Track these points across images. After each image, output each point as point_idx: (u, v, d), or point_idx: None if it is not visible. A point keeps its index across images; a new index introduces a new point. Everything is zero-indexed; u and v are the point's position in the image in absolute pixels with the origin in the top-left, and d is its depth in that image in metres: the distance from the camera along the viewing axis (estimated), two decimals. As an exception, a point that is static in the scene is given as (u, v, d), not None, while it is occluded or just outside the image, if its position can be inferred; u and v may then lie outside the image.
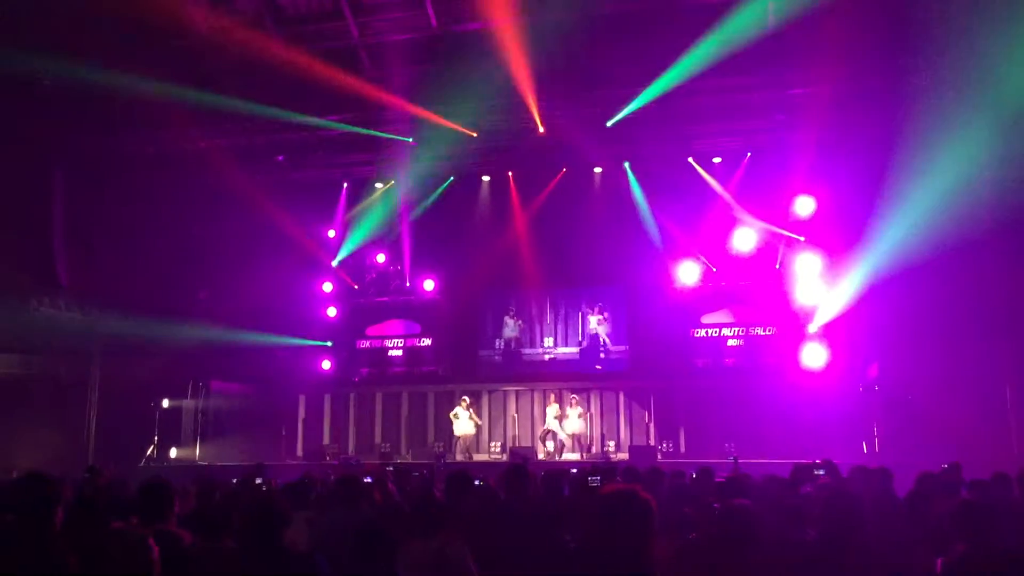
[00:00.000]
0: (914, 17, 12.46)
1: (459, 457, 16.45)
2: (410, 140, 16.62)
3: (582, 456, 16.24)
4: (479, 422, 17.30)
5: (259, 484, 8.26)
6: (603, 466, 8.67)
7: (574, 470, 8.62)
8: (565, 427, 16.77)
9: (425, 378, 18.84)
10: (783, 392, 15.91)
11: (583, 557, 3.31)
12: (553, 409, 16.87)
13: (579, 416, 16.75)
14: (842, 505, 4.15)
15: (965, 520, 4.03)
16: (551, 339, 18.55)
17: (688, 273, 17.34)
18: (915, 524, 4.94)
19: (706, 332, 17.71)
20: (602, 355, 17.98)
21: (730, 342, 17.52)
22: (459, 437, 16.88)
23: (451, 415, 17.05)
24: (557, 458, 16.21)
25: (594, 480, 6.70)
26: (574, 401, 16.94)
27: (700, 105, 15.25)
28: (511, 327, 18.51)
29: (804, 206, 16.27)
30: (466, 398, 17.17)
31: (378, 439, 18.34)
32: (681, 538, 4.43)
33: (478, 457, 16.83)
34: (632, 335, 18.05)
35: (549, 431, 16.83)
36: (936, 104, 13.47)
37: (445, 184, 18.41)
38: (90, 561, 3.35)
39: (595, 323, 18.24)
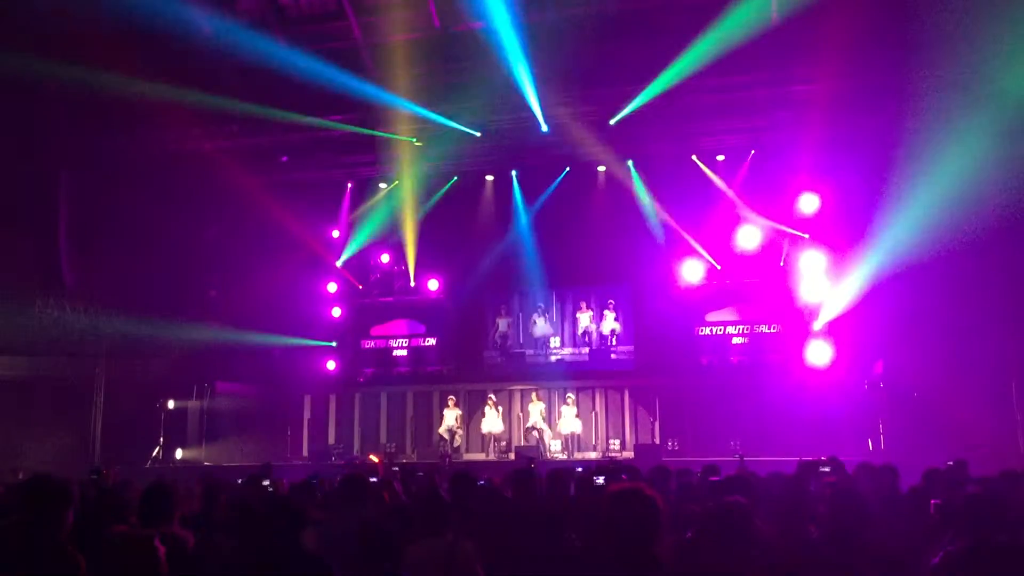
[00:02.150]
0: (917, 13, 12.44)
1: (467, 457, 16.51)
2: (414, 140, 16.64)
3: (573, 456, 16.21)
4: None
5: (266, 485, 8.25)
6: (608, 465, 8.66)
7: (579, 469, 8.59)
8: (560, 427, 16.76)
9: (430, 378, 18.83)
10: (788, 390, 15.86)
11: (590, 556, 3.31)
12: (538, 407, 16.81)
13: (576, 416, 16.70)
14: (848, 503, 4.14)
15: (970, 513, 4.03)
16: (557, 339, 18.52)
17: (692, 271, 17.32)
18: (918, 521, 4.93)
19: (711, 330, 17.68)
20: (613, 356, 17.92)
21: (735, 340, 17.49)
22: (486, 435, 17.02)
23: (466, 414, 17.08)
24: (561, 457, 16.19)
25: (599, 479, 6.69)
26: (570, 400, 16.88)
27: (703, 103, 15.26)
28: (539, 325, 18.44)
29: (808, 203, 16.25)
30: (492, 396, 17.22)
31: (383, 439, 18.33)
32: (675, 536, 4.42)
33: (478, 456, 16.84)
34: (637, 334, 18.03)
35: (534, 428, 16.81)
36: (940, 100, 13.45)
37: (449, 184, 18.44)
38: (97, 563, 3.36)
39: (587, 320, 18.24)
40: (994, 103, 12.37)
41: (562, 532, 4.38)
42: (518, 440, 17.46)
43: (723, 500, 4.06)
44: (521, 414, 17.69)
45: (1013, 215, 13.18)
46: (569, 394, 17.02)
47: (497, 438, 17.08)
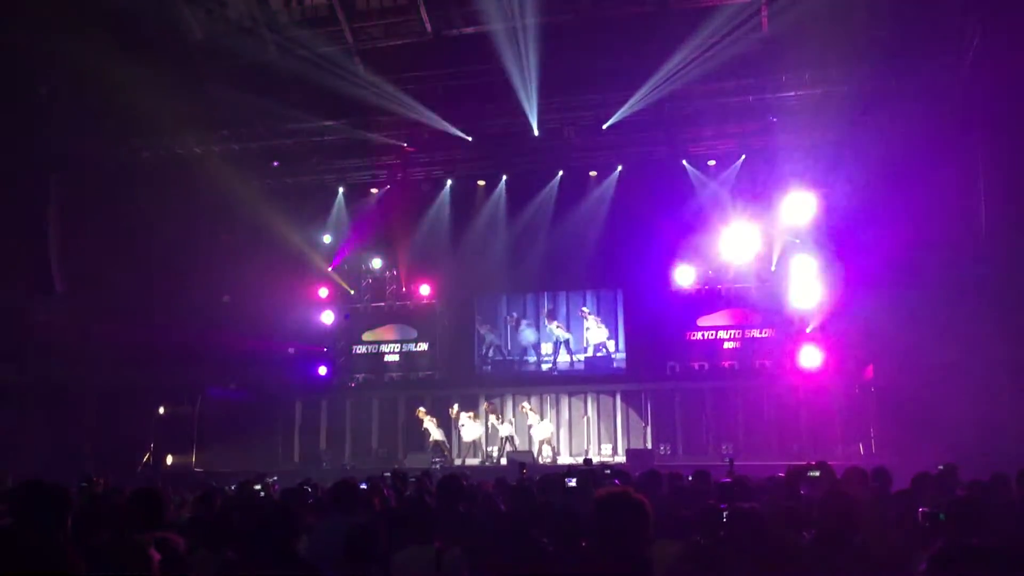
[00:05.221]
0: (905, 21, 12.52)
1: (456, 462, 16.51)
2: (405, 145, 16.64)
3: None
4: (498, 425, 17.39)
5: (258, 490, 8.23)
6: (580, 468, 8.66)
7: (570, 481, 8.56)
8: (533, 433, 17.02)
9: (421, 383, 18.80)
10: (780, 394, 15.92)
11: (580, 559, 3.31)
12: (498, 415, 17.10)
13: (545, 421, 16.97)
14: (838, 507, 4.16)
15: (954, 517, 4.06)
16: (549, 345, 18.51)
17: (684, 276, 17.34)
18: (908, 525, 4.95)
19: (703, 334, 17.69)
20: (615, 365, 17.97)
21: (727, 344, 17.50)
22: (470, 441, 17.13)
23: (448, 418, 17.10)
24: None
25: (570, 481, 6.70)
26: (525, 407, 17.21)
27: (694, 108, 15.31)
28: (527, 331, 18.49)
29: (799, 208, 16.27)
30: (470, 409, 17.33)
31: (375, 444, 18.31)
32: (681, 540, 4.44)
33: (472, 462, 16.85)
34: (628, 338, 18.04)
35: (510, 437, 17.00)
36: (930, 106, 13.54)
37: (440, 188, 18.40)
38: (90, 569, 3.33)
39: (580, 326, 18.31)
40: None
41: (533, 535, 4.38)
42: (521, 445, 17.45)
43: (739, 506, 4.09)
44: (513, 420, 17.68)
45: (1002, 218, 13.25)
46: (524, 403, 17.20)
47: (479, 444, 17.19)
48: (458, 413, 17.24)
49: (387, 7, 14.36)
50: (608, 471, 8.59)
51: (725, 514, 4.07)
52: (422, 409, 17.34)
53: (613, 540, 2.97)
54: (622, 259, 17.45)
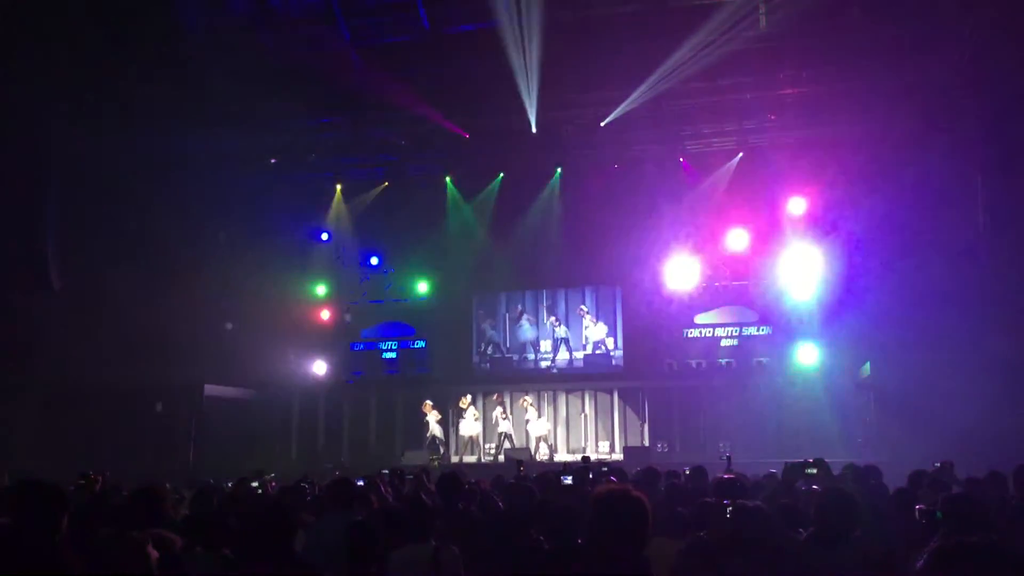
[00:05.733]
0: (903, 17, 12.53)
1: (454, 458, 16.51)
2: (403, 142, 16.61)
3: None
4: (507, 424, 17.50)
5: (255, 488, 8.23)
6: (576, 466, 8.66)
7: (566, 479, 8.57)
8: (530, 429, 17.06)
9: (419, 380, 18.79)
10: (777, 391, 15.93)
11: (577, 557, 3.32)
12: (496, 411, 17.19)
13: (541, 419, 17.05)
14: (835, 503, 4.17)
15: (950, 514, 4.08)
16: (548, 342, 18.52)
17: (682, 273, 17.33)
18: (905, 522, 4.97)
19: (700, 332, 17.71)
20: (614, 363, 17.98)
21: (724, 342, 17.52)
22: (468, 437, 17.23)
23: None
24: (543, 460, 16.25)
25: (567, 479, 6.71)
26: (525, 403, 17.30)
27: (692, 106, 15.32)
28: (526, 328, 18.55)
29: (796, 205, 16.30)
30: (469, 399, 17.44)
31: (372, 441, 18.30)
32: (680, 536, 4.45)
33: (468, 459, 16.86)
34: (626, 336, 18.05)
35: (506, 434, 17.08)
36: (928, 103, 13.54)
37: (439, 185, 18.38)
38: (88, 567, 3.34)
39: (578, 324, 18.34)
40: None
41: (529, 533, 4.39)
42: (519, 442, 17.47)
43: (744, 504, 4.10)
44: (511, 417, 17.68)
45: (999, 215, 13.27)
46: (526, 397, 17.22)
47: (476, 441, 17.21)
48: (469, 404, 17.32)
49: (385, 4, 14.33)
50: (605, 468, 8.62)
51: (729, 510, 4.08)
52: (429, 403, 17.36)
53: (612, 538, 2.97)
54: (620, 256, 17.43)
